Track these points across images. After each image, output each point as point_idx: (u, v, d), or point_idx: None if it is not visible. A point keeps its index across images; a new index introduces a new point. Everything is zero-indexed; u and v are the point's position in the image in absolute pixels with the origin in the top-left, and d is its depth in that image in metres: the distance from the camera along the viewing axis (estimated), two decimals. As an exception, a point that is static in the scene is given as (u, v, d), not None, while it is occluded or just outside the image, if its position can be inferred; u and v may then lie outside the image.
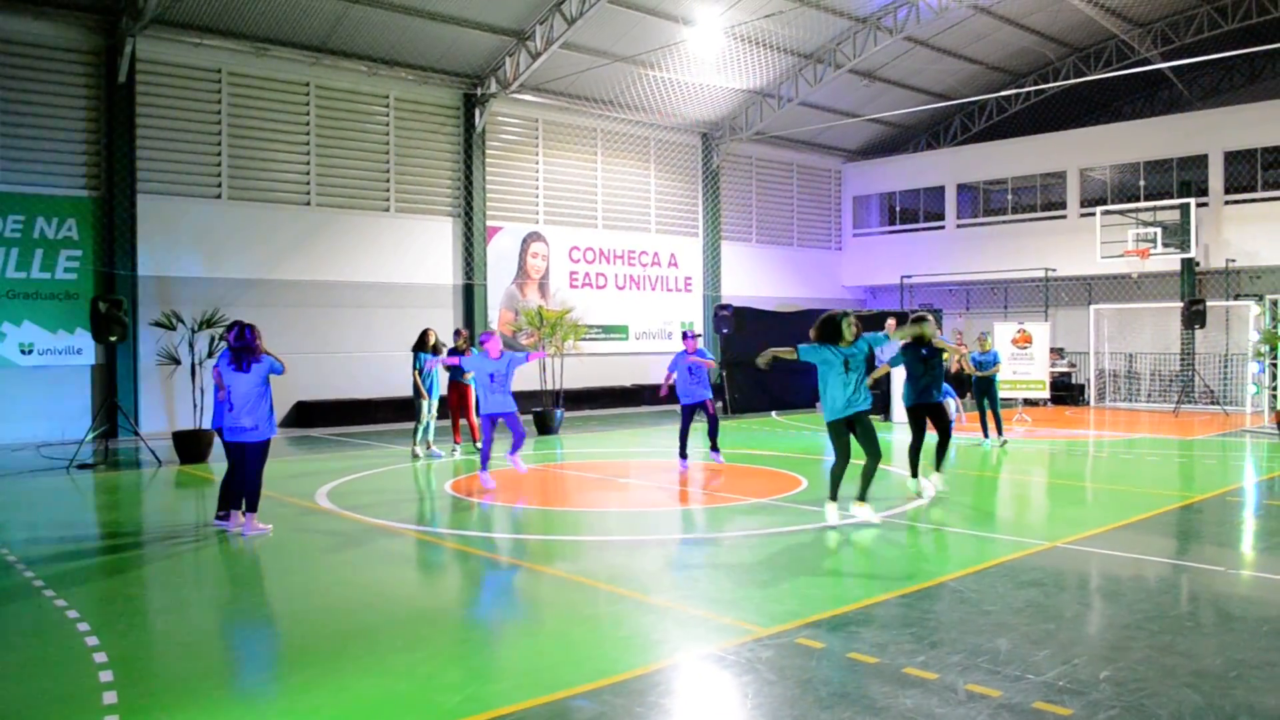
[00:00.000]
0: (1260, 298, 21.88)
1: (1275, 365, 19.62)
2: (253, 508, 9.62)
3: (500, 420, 12.36)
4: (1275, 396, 20.09)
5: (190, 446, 14.98)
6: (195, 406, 15.18)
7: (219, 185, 19.75)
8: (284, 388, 19.77)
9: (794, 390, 22.57)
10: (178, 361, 15.89)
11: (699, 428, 15.61)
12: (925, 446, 11.73)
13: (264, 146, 20.32)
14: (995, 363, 16.83)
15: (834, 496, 9.73)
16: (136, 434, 16.74)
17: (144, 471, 14.47)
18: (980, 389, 16.60)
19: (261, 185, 20.30)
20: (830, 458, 10.46)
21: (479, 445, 15.48)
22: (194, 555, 9.00)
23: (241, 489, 9.66)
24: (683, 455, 13.98)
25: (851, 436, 9.71)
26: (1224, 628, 6.61)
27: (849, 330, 9.58)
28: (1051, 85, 27.36)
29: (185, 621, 6.99)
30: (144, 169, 18.76)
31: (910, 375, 11.61)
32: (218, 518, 9.85)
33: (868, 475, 9.74)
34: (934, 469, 11.66)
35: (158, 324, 16.14)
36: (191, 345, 15.43)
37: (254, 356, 9.56)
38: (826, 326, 9.63)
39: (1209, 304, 23.27)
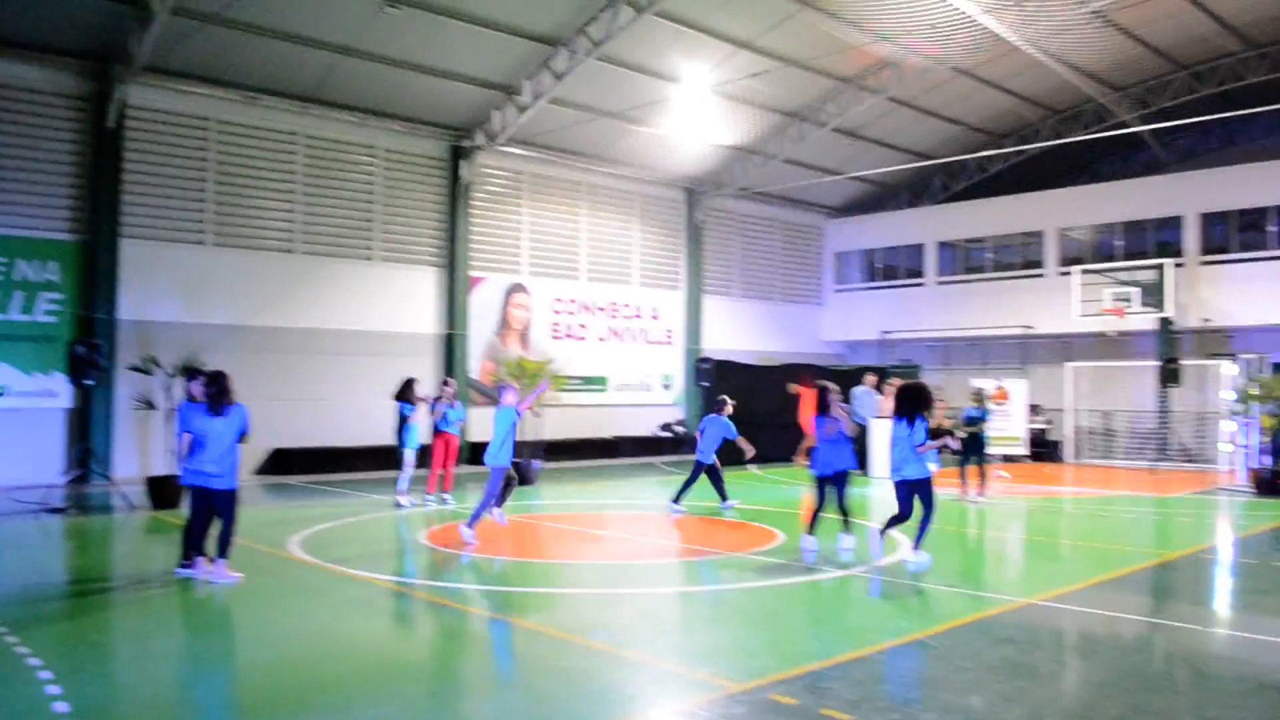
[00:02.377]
0: (1234, 357, 22.07)
1: (1250, 424, 19.74)
2: (223, 555, 9.52)
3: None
4: (1250, 455, 20.19)
5: (163, 492, 14.82)
6: (170, 452, 15.05)
7: (202, 231, 19.76)
8: (262, 434, 19.55)
9: (774, 445, 22.56)
10: (154, 406, 15.79)
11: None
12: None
13: (250, 194, 20.36)
14: (985, 418, 16.82)
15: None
16: (108, 479, 16.58)
17: (115, 517, 14.30)
18: (971, 445, 16.48)
19: (246, 232, 20.31)
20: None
21: (446, 496, 15.47)
22: (161, 603, 8.88)
23: (202, 535, 9.59)
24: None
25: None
26: (1199, 686, 6.61)
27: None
28: (1031, 146, 27.73)
29: (150, 671, 6.89)
30: (129, 214, 18.74)
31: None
32: (182, 565, 9.72)
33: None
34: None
35: (135, 368, 16.05)
36: (168, 390, 15.34)
37: (230, 401, 9.54)
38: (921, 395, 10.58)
39: (1185, 362, 23.46)
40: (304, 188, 21.08)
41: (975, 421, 16.57)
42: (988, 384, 23.45)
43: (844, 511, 11.31)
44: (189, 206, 19.60)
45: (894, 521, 10.52)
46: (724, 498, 15.09)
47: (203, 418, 9.49)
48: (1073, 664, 7.31)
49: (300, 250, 21.02)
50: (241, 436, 9.62)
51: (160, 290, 19.07)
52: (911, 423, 10.21)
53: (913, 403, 10.28)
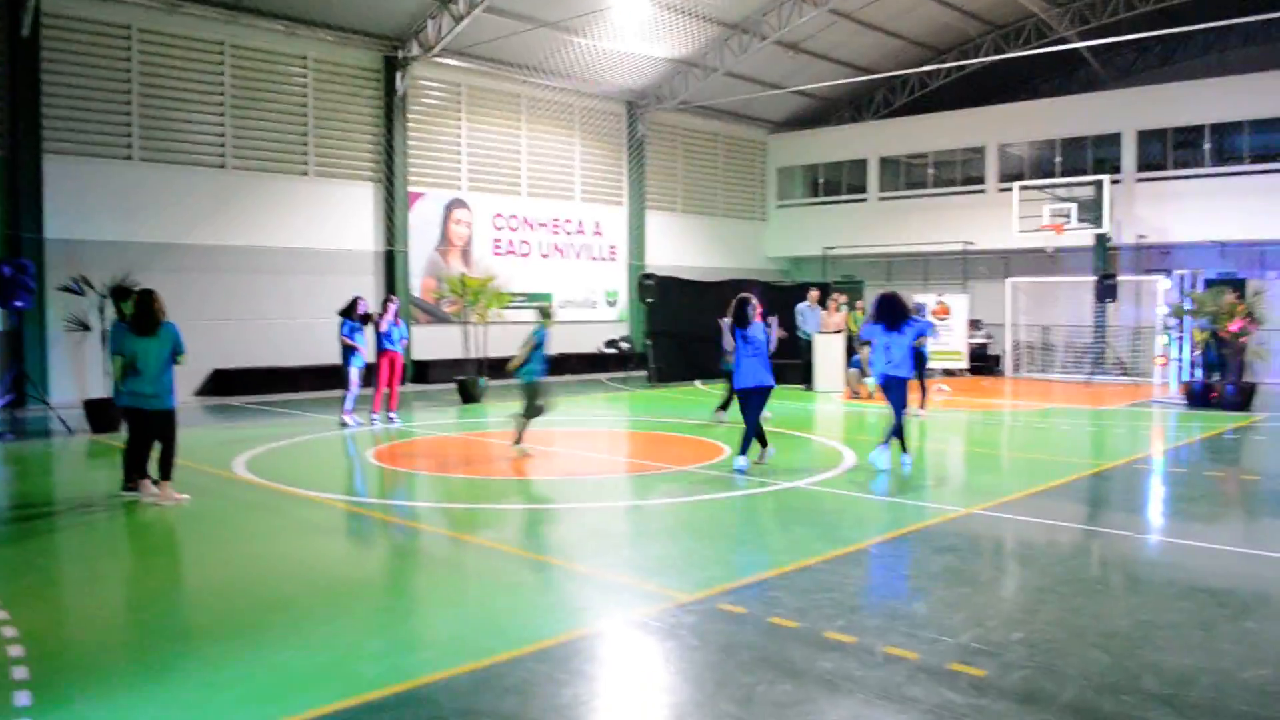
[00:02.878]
0: (1169, 273, 22.49)
1: (1182, 339, 20.21)
2: (166, 476, 9.42)
3: None
4: (1182, 368, 20.71)
5: (102, 416, 14.57)
6: (106, 374, 14.75)
7: (130, 146, 19.11)
8: (201, 356, 19.22)
9: (714, 360, 22.67)
10: (88, 328, 15.43)
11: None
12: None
13: (177, 107, 19.68)
14: (925, 333, 16.91)
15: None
16: (45, 403, 16.22)
17: (54, 441, 14.05)
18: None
19: (175, 147, 19.68)
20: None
21: (392, 415, 15.44)
22: (107, 526, 8.78)
23: (142, 458, 9.48)
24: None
25: None
26: (1132, 590, 6.84)
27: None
28: (972, 61, 27.69)
29: (98, 594, 6.82)
30: (50, 128, 18.05)
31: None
32: (126, 487, 9.61)
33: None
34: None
35: (66, 289, 15.63)
36: (102, 311, 14.97)
37: (158, 321, 9.35)
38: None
39: (1121, 278, 23.88)
40: (234, 101, 20.43)
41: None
42: (929, 299, 23.76)
43: (755, 428, 11.30)
44: (114, 120, 18.93)
45: (898, 428, 11.23)
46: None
47: (132, 339, 9.31)
48: (1012, 570, 7.52)
49: (232, 165, 20.46)
50: (175, 356, 9.43)
51: (88, 208, 18.49)
52: (901, 328, 11.12)
53: (899, 310, 11.25)
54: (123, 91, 18.98)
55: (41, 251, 17.67)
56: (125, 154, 19.05)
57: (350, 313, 15.27)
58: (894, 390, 11.22)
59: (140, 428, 9.50)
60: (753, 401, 11.23)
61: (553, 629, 5.81)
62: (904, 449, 11.33)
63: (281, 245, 21.12)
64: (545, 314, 13.14)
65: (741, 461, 11.02)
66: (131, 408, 9.47)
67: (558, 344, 25.58)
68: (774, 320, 12.08)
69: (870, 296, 26.40)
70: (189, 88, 19.79)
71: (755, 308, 11.35)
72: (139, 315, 9.42)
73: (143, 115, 19.22)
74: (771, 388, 11.33)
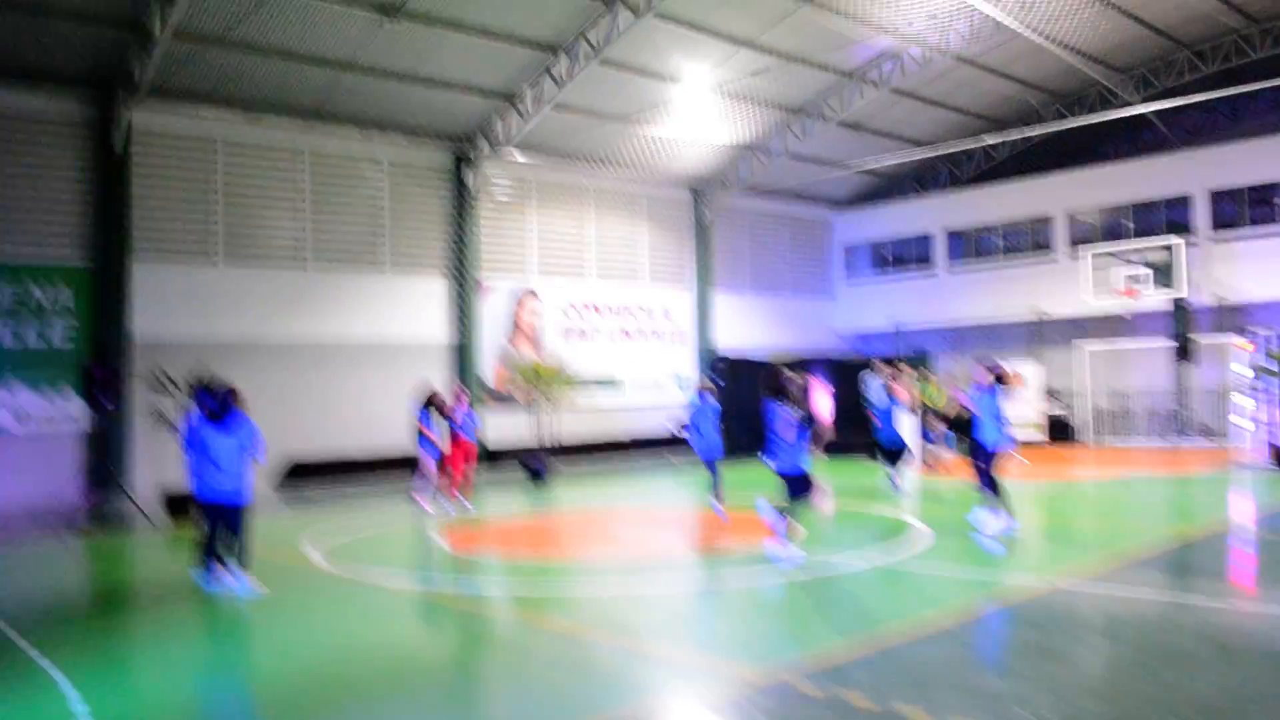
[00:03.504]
0: (1250, 332, 21.95)
1: (1268, 399, 19.64)
2: (245, 565, 9.61)
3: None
4: (1270, 431, 20.10)
5: (182, 508, 14.90)
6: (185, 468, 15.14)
7: (214, 250, 19.88)
8: (279, 447, 19.73)
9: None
10: (172, 425, 15.88)
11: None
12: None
13: (259, 211, 20.48)
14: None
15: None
16: (129, 497, 16.68)
17: (136, 534, 14.40)
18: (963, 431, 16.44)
19: (257, 249, 20.43)
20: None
21: (466, 502, 15.59)
22: (184, 615, 8.95)
23: (217, 548, 9.69)
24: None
25: None
26: (1224, 663, 6.61)
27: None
28: (1036, 131, 27.63)
29: (174, 682, 6.94)
30: (139, 236, 18.87)
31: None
32: (203, 574, 9.79)
33: None
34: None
35: (151, 388, 16.15)
36: (185, 408, 15.42)
37: (231, 414, 9.63)
38: None
39: (1200, 340, 23.35)
40: (312, 202, 21.19)
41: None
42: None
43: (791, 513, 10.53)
44: (198, 226, 19.73)
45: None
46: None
47: (207, 430, 9.60)
48: (1097, 645, 7.31)
49: (310, 264, 21.13)
50: (250, 448, 9.67)
51: (173, 310, 19.19)
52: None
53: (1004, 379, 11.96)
54: (206, 199, 19.81)
55: (128, 353, 18.34)
56: (209, 258, 19.80)
57: (428, 403, 15.57)
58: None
59: (215, 518, 9.73)
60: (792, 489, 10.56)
61: (625, 713, 5.78)
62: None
63: (357, 340, 21.64)
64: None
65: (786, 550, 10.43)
66: (207, 500, 9.71)
67: (626, 426, 25.83)
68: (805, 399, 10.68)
69: (941, 368, 26.26)
70: (269, 192, 20.61)
71: (795, 382, 10.62)
72: (214, 408, 9.72)
73: (227, 220, 20.02)
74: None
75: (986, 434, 11.92)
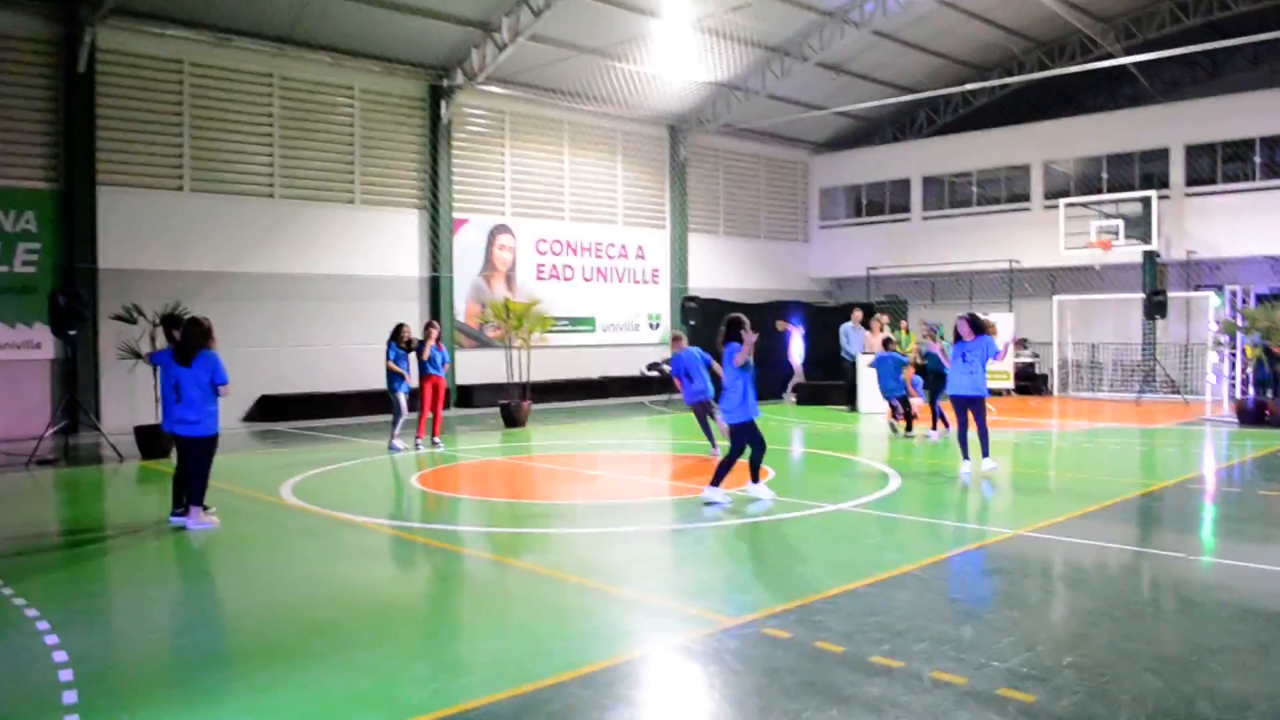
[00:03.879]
0: (1220, 289, 22.14)
1: (1234, 355, 19.88)
2: (196, 501, 9.53)
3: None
4: (1234, 385, 20.37)
5: (152, 442, 14.80)
6: (157, 401, 14.98)
7: (181, 177, 19.50)
8: (248, 381, 19.59)
9: (761, 381, 22.60)
10: (139, 356, 15.68)
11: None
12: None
13: (227, 138, 20.06)
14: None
15: None
16: (98, 429, 16.52)
17: (105, 467, 14.28)
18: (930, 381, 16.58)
19: (225, 177, 20.05)
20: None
21: (436, 440, 15.56)
22: (155, 551, 8.89)
23: (184, 481, 9.63)
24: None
25: None
26: (1185, 613, 6.70)
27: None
28: (1016, 79, 27.49)
29: (147, 618, 6.90)
30: (105, 160, 18.47)
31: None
32: (175, 514, 9.74)
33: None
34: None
35: (118, 318, 15.92)
36: (153, 339, 15.23)
37: (197, 351, 9.48)
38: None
39: (1170, 295, 23.53)
40: (282, 131, 20.78)
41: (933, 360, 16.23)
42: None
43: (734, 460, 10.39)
44: (166, 152, 19.33)
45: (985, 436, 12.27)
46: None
47: (173, 366, 9.50)
48: (1061, 593, 7.40)
49: (280, 194, 20.79)
50: (215, 382, 9.52)
51: (140, 238, 18.86)
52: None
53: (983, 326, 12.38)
54: (174, 124, 19.38)
55: (95, 281, 18.05)
56: (177, 185, 19.42)
57: (396, 339, 15.43)
58: (978, 405, 12.22)
59: (184, 453, 9.66)
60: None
61: (596, 654, 5.80)
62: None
63: (328, 272, 21.39)
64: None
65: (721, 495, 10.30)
66: (175, 434, 9.64)
67: (602, 367, 25.82)
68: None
69: (915, 317, 26.37)
70: (239, 119, 20.17)
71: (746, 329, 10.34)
72: (178, 343, 9.61)
73: (194, 147, 19.60)
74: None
75: (960, 383, 12.33)
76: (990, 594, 7.03)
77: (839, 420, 19.59)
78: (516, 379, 20.03)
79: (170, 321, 11.15)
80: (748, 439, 10.29)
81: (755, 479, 10.60)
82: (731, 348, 10.34)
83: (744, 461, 10.48)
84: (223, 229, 19.94)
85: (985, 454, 12.32)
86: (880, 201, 31.59)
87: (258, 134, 20.48)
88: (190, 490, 9.58)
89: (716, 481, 10.28)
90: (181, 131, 19.46)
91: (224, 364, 9.60)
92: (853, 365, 20.95)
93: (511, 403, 19.28)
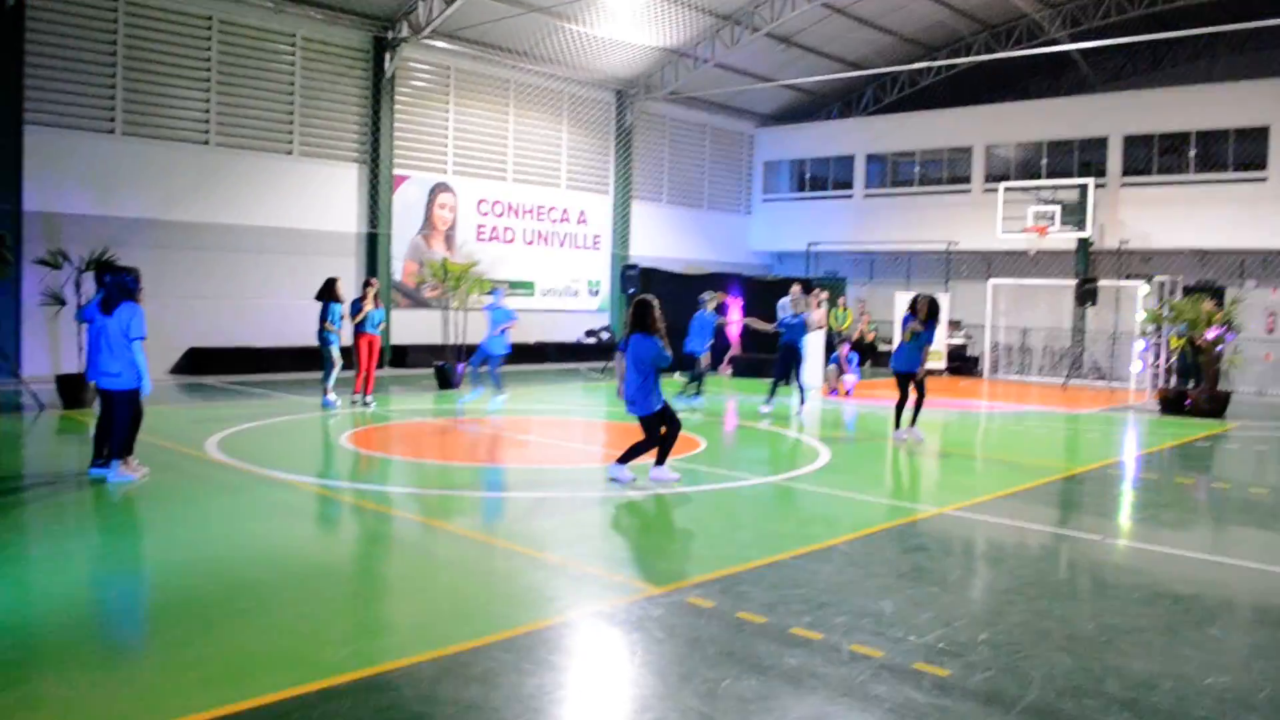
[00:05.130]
0: (1149, 278, 22.62)
1: (1159, 344, 20.34)
2: (118, 454, 9.33)
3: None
4: (1158, 374, 20.86)
5: (74, 391, 14.46)
6: (80, 349, 14.63)
7: (113, 119, 18.94)
8: (177, 333, 19.22)
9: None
10: (63, 302, 15.28)
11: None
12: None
13: (163, 81, 19.49)
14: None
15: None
16: (17, 377, 16.07)
17: (25, 416, 13.92)
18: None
19: (159, 122, 19.50)
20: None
21: (369, 399, 15.46)
22: (74, 504, 8.70)
23: (107, 433, 9.43)
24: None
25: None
26: (1098, 594, 6.87)
27: None
28: (963, 60, 27.72)
29: (61, 572, 6.75)
30: (33, 99, 17.86)
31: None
32: (95, 465, 9.54)
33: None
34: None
35: (43, 262, 15.48)
36: (78, 285, 14.86)
37: (120, 301, 9.25)
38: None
39: (1101, 283, 23.99)
40: (220, 77, 20.25)
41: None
42: (907, 297, 23.71)
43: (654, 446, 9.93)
44: (98, 93, 18.73)
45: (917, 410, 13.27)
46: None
47: (98, 316, 9.28)
48: (981, 571, 7.54)
49: (216, 142, 20.29)
50: (135, 333, 9.28)
51: (68, 181, 18.30)
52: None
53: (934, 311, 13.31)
54: (107, 64, 18.79)
55: (19, 223, 17.49)
56: (108, 127, 18.87)
57: (327, 294, 15.20)
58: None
59: (106, 405, 9.46)
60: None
61: (520, 618, 5.79)
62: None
63: (263, 224, 20.97)
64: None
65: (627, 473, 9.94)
66: (98, 385, 9.44)
67: (537, 332, 25.71)
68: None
69: (853, 293, 26.62)
70: (174, 62, 19.60)
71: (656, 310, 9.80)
72: (105, 294, 9.40)
73: (127, 89, 19.03)
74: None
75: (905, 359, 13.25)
76: (912, 570, 7.14)
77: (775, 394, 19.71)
78: (453, 341, 19.87)
79: (104, 268, 10.87)
80: (660, 425, 9.82)
81: (661, 461, 9.94)
82: (646, 342, 9.65)
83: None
84: (155, 175, 19.43)
85: (914, 423, 13.41)
86: (824, 177, 31.73)
87: (195, 79, 19.94)
88: (112, 443, 9.37)
89: (625, 460, 9.86)
90: (115, 72, 18.88)
91: (144, 317, 9.36)
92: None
93: (446, 364, 19.13)
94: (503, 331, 15.46)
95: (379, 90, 22.53)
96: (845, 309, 21.69)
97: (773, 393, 16.19)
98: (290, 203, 21.39)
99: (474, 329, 20.71)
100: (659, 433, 9.79)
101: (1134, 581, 7.11)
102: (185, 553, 7.19)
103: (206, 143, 20.16)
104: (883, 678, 5.01)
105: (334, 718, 4.42)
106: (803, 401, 16.37)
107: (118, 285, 9.34)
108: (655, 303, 9.73)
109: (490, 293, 16.08)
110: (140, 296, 9.47)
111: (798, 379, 16.36)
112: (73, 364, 15.22)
